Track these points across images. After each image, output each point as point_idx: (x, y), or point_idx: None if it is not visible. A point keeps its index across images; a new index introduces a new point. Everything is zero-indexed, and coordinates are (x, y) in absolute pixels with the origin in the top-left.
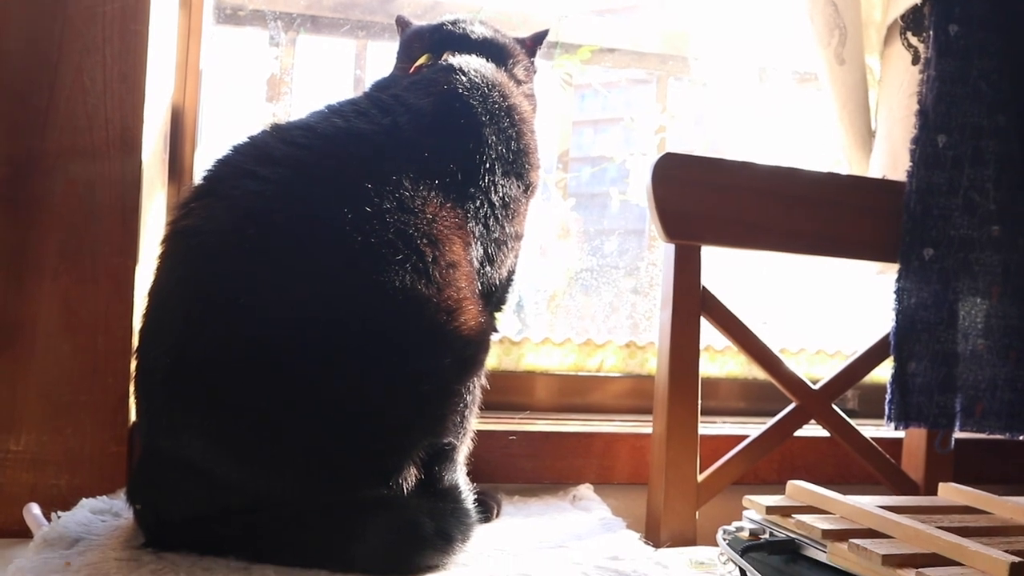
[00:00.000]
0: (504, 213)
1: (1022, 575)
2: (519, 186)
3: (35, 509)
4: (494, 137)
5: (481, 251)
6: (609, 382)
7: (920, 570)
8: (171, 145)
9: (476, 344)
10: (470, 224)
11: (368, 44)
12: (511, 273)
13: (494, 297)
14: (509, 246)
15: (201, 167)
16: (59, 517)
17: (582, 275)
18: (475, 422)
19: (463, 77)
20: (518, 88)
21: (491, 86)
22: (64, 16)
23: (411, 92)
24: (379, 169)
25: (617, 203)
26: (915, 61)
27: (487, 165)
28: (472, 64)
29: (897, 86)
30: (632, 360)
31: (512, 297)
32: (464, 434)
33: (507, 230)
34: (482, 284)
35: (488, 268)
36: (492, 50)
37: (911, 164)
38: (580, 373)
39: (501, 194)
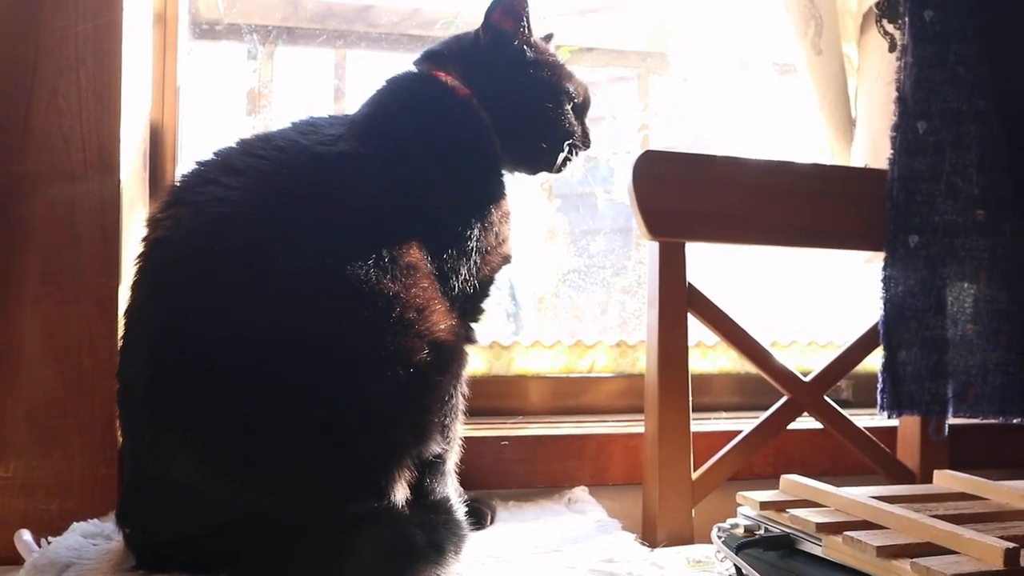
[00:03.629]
0: (453, 221)
1: (1017, 561)
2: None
3: (26, 535)
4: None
5: (434, 257)
6: (601, 383)
7: (914, 560)
8: (151, 163)
9: (449, 347)
10: (419, 228)
11: (347, 53)
12: (478, 283)
13: (457, 305)
14: (462, 254)
15: None
16: (49, 543)
17: (570, 276)
18: (461, 431)
19: (393, 86)
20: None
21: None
22: (37, 38)
23: (360, 107)
24: (328, 177)
25: (603, 202)
26: (892, 48)
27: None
28: (410, 74)
29: (875, 74)
30: (623, 359)
31: (488, 308)
32: (451, 444)
33: (458, 238)
34: (444, 292)
35: (446, 276)
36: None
37: (892, 151)
38: (571, 375)
39: (449, 202)
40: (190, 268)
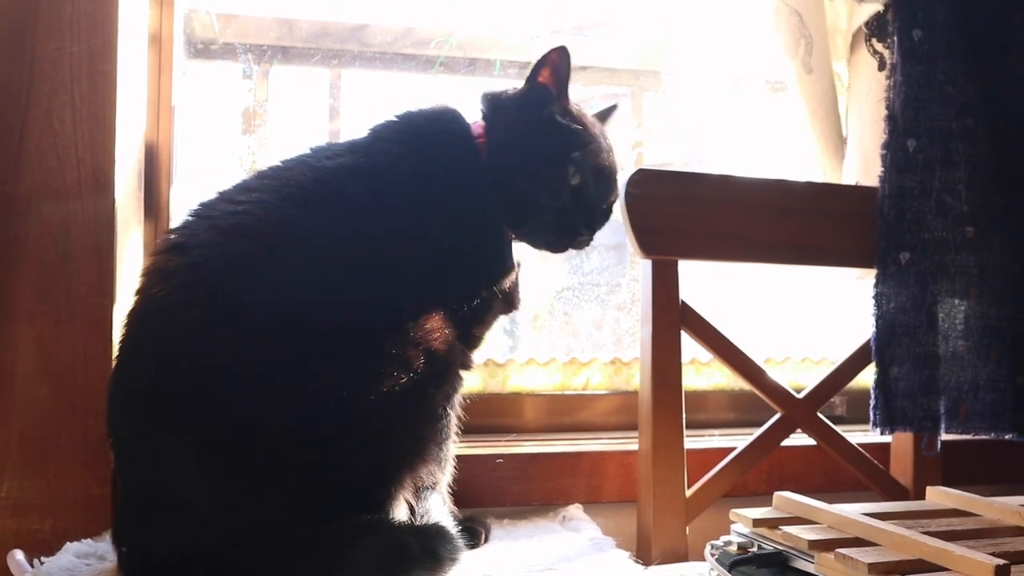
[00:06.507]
0: (431, 246)
1: None
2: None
3: (19, 555)
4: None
5: (425, 273)
6: (596, 400)
7: None
8: (146, 182)
9: (444, 359)
10: (408, 243)
11: (341, 73)
12: (469, 310)
13: (452, 323)
14: (446, 279)
15: (177, 203)
16: (43, 563)
17: (564, 293)
18: (454, 451)
19: (396, 118)
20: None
21: (425, 127)
22: (32, 58)
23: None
24: (328, 185)
25: None
26: (881, 67)
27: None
28: (418, 109)
29: (865, 92)
30: (618, 377)
31: (485, 337)
32: (443, 466)
33: (441, 264)
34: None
35: (440, 294)
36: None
37: (883, 169)
38: (566, 392)
39: (428, 227)
40: (199, 275)
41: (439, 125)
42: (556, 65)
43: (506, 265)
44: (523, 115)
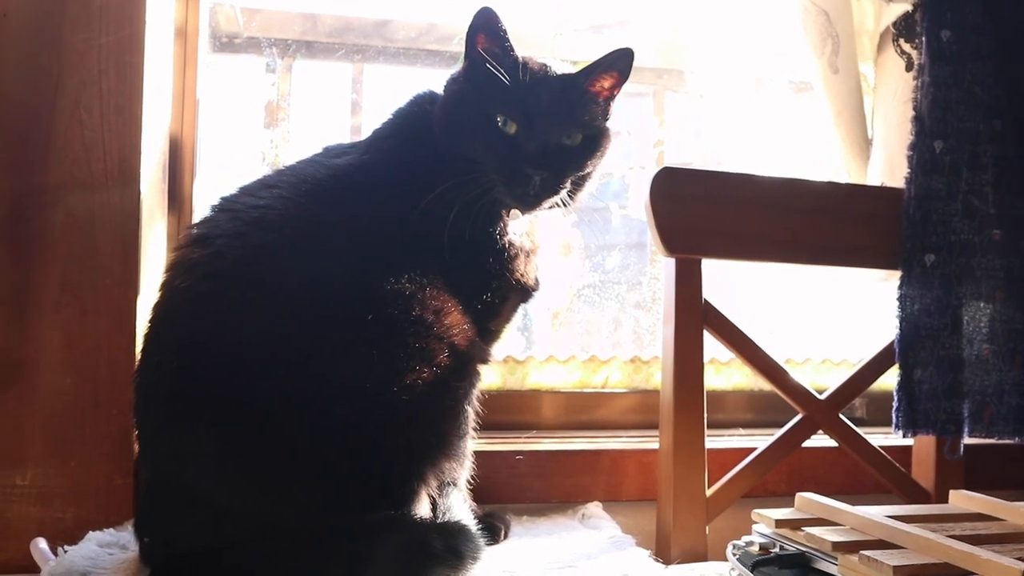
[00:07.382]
0: (450, 244)
1: None
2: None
3: (42, 544)
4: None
5: (436, 265)
6: (615, 398)
7: None
8: (170, 175)
9: (465, 352)
10: (417, 237)
11: (364, 67)
12: (480, 304)
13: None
14: (449, 268)
15: (200, 196)
16: (66, 551)
17: (585, 291)
18: (472, 447)
19: (391, 115)
20: None
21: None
22: (60, 50)
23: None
24: (341, 182)
25: (618, 218)
26: (909, 68)
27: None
28: (405, 101)
29: (892, 93)
30: (637, 375)
31: (501, 331)
32: (462, 462)
33: (457, 258)
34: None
35: (452, 286)
36: None
37: (909, 170)
38: (585, 390)
39: (420, 216)
40: (222, 264)
41: (419, 111)
42: (486, 27)
43: (496, 241)
44: (461, 84)
